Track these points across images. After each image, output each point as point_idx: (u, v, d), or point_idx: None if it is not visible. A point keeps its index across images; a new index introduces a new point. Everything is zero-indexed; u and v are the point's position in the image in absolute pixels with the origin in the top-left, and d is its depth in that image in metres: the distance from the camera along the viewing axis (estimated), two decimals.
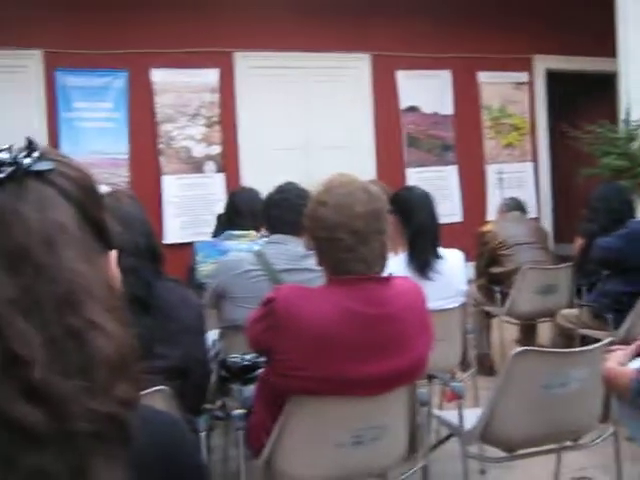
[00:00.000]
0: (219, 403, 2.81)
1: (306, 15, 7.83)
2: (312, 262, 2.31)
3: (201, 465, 0.99)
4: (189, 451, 0.95)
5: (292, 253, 2.94)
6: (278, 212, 3.01)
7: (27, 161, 0.82)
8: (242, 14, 7.61)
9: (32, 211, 0.78)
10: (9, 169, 0.81)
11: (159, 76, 7.48)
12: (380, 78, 8.31)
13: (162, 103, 7.50)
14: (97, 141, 7.06)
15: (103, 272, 0.85)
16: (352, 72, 8.21)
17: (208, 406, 2.47)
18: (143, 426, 0.80)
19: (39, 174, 0.82)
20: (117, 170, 7.12)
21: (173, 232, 7.27)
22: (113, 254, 0.91)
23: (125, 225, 1.89)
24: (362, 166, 7.59)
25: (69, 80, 7.19)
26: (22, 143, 0.85)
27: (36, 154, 0.83)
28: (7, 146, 0.84)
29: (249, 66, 7.78)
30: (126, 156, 7.26)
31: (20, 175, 0.81)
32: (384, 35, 8.21)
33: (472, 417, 2.66)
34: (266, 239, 3.21)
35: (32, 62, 7.11)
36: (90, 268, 0.80)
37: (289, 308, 2.08)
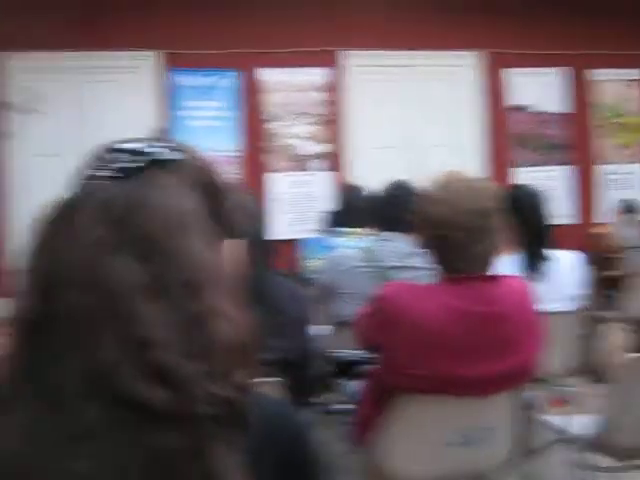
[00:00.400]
0: (325, 397, 2.83)
1: (413, 13, 7.77)
2: (419, 260, 2.30)
3: (315, 455, 1.00)
4: (304, 441, 0.96)
5: (400, 250, 2.93)
6: (387, 209, 3.01)
7: (157, 151, 0.85)
8: (349, 13, 7.63)
9: (160, 199, 0.81)
10: (140, 159, 0.84)
11: (267, 75, 7.60)
12: (488, 76, 8.16)
13: (270, 102, 7.61)
14: (207, 139, 7.24)
15: (225, 260, 0.87)
16: (459, 70, 8.10)
17: (314, 400, 2.49)
18: (260, 413, 0.81)
19: (167, 164, 0.85)
20: (226, 168, 7.29)
21: (280, 229, 7.38)
22: (234, 243, 0.93)
23: (242, 216, 1.93)
24: (469, 165, 7.48)
25: (181, 80, 7.42)
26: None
27: (165, 145, 0.86)
28: (138, 137, 0.87)
29: (356, 64, 7.80)
30: (235, 154, 7.42)
31: (149, 165, 0.84)
32: (493, 33, 8.05)
33: (579, 423, 2.58)
34: (374, 236, 3.21)
35: (147, 63, 7.37)
36: (213, 256, 0.82)
37: (398, 306, 2.07)
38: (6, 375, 0.79)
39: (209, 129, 7.33)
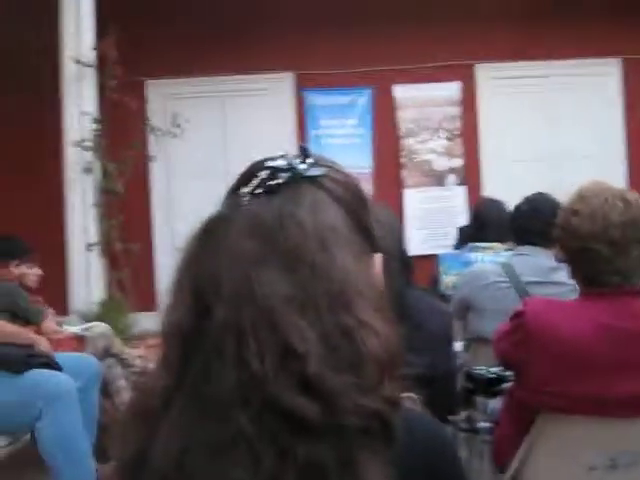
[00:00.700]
0: (463, 415, 2.78)
1: (545, 22, 7.57)
2: (562, 275, 2.22)
3: (461, 470, 0.98)
4: (451, 457, 0.95)
5: (541, 265, 2.85)
6: (527, 223, 2.93)
7: (301, 167, 0.87)
8: (480, 26, 7.52)
9: (307, 213, 0.82)
10: (286, 175, 0.86)
11: (401, 92, 7.61)
12: (632, 82, 7.82)
13: (404, 118, 7.62)
14: (342, 157, 7.30)
15: (370, 273, 0.88)
16: (598, 79, 7.80)
17: (452, 417, 2.46)
18: (406, 427, 0.81)
19: (312, 179, 0.87)
20: (361, 184, 7.33)
21: (415, 244, 7.34)
22: (378, 257, 0.94)
23: (383, 231, 1.95)
24: (611, 176, 7.16)
25: (316, 99, 7.56)
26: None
27: (309, 161, 0.88)
28: (283, 154, 0.90)
29: (490, 77, 7.69)
30: (370, 170, 7.46)
31: (295, 180, 0.86)
32: (633, 38, 7.70)
33: None
34: (512, 251, 3.14)
35: (284, 84, 7.56)
36: (360, 268, 0.83)
37: (540, 322, 2.01)
38: (158, 386, 0.83)
39: (344, 147, 7.41)
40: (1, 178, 7.38)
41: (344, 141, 7.52)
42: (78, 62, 5.30)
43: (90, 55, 5.41)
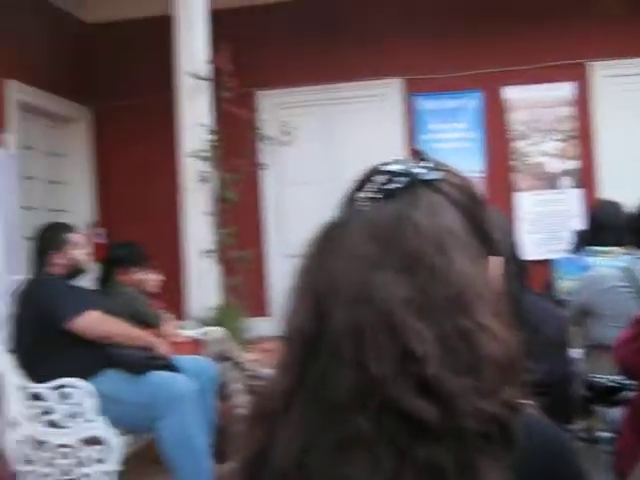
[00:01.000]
0: (582, 424, 2.70)
1: None
2: None
3: (583, 476, 0.96)
4: (571, 461, 0.93)
5: None
6: None
7: (418, 171, 0.88)
8: (591, 22, 7.27)
9: (424, 217, 0.83)
10: (402, 179, 0.87)
11: (512, 93, 7.46)
12: None
13: (515, 120, 7.47)
14: (453, 161, 7.17)
15: (488, 276, 0.88)
16: None
17: (571, 426, 2.39)
18: (526, 431, 0.80)
19: (429, 183, 0.87)
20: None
21: (528, 248, 7.16)
22: (496, 260, 0.94)
23: (499, 234, 1.93)
24: None
25: (425, 104, 7.53)
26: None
27: (425, 164, 0.89)
28: (398, 158, 0.91)
29: (605, 75, 7.42)
30: (481, 174, 7.35)
31: (412, 184, 0.87)
32: None
33: None
34: (632, 255, 3.03)
35: (391, 90, 7.57)
36: (478, 272, 0.83)
37: None
38: (278, 389, 0.85)
39: (454, 151, 7.33)
40: (123, 188, 7.73)
41: (454, 145, 7.44)
42: (194, 76, 5.48)
43: (205, 69, 5.58)
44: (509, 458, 0.77)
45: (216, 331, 4.43)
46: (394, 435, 0.76)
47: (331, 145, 7.65)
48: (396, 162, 0.90)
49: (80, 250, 3.80)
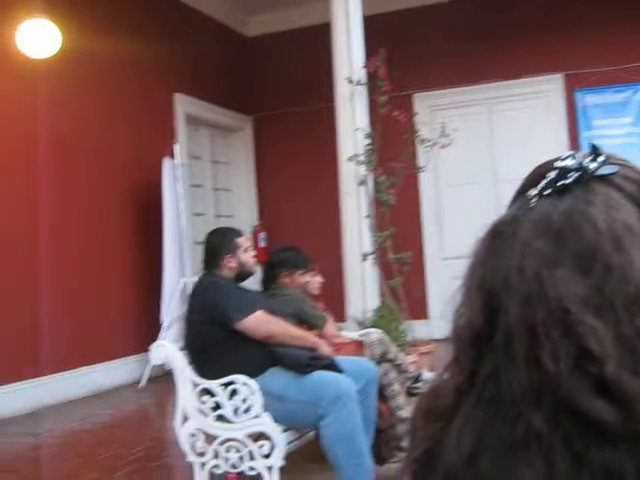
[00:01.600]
0: None
1: None
2: None
3: None
4: None
5: None
6: None
7: (592, 166, 0.86)
8: None
9: (599, 213, 0.81)
10: (575, 174, 0.85)
11: None
12: None
13: None
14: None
15: None
16: None
17: None
18: None
19: (603, 178, 0.85)
20: None
21: None
22: None
23: None
24: None
25: (588, 99, 7.24)
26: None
27: (600, 159, 0.87)
28: (572, 153, 0.89)
29: None
30: None
31: (586, 179, 0.85)
32: None
33: None
34: None
35: (553, 87, 7.34)
36: None
37: None
38: (449, 387, 0.85)
39: (620, 146, 7.01)
40: (287, 194, 7.97)
41: (619, 141, 7.10)
42: (351, 81, 5.56)
43: (361, 74, 5.65)
44: None
45: (376, 333, 4.46)
46: (570, 437, 0.74)
47: (490, 144, 7.53)
48: (569, 157, 0.88)
49: (248, 253, 3.94)
